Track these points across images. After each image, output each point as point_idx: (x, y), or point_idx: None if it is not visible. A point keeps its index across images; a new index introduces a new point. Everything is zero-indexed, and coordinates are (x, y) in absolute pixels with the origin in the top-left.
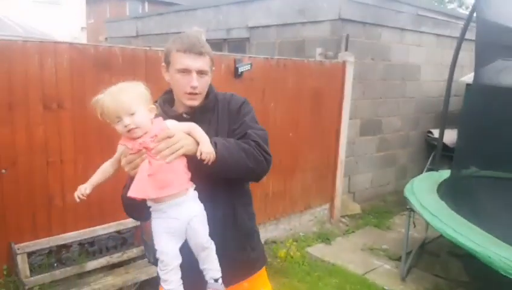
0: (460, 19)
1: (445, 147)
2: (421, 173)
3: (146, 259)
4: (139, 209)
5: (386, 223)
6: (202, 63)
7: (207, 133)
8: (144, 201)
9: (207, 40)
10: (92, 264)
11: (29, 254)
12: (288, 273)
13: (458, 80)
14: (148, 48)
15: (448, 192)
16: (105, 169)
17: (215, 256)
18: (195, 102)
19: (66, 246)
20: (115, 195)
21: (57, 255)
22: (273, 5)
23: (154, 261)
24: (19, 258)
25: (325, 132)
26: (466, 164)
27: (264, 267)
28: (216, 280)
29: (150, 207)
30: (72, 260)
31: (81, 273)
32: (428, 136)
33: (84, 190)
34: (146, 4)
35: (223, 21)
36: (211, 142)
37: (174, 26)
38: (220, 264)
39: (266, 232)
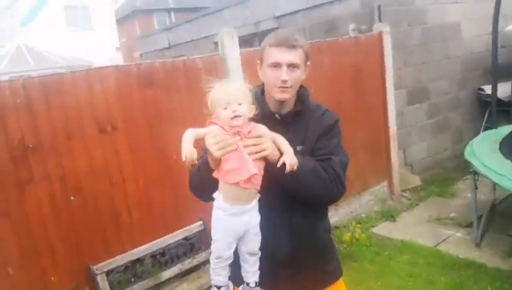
0: None
1: (500, 102)
2: (478, 133)
3: None
4: (209, 189)
5: (449, 190)
6: (293, 56)
7: (293, 138)
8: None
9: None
10: (167, 274)
11: (107, 273)
12: (357, 256)
13: (503, 30)
14: (186, 58)
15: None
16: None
17: (258, 262)
18: (286, 95)
19: (139, 260)
20: (176, 204)
21: (133, 270)
22: None
23: None
24: (98, 278)
25: (371, 107)
26: None
27: (341, 279)
28: (257, 284)
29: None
30: (147, 272)
31: (157, 283)
32: (479, 93)
33: (191, 155)
34: (172, 13)
35: (250, 16)
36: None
37: (204, 30)
38: (295, 276)
39: None
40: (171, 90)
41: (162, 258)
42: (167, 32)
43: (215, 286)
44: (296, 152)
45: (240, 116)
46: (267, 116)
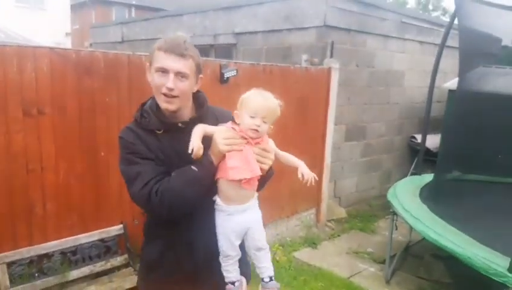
0: (443, 27)
1: (428, 151)
2: (405, 177)
3: (130, 267)
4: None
5: (371, 226)
6: (183, 65)
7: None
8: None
9: (194, 45)
10: (75, 274)
11: (9, 264)
12: (275, 278)
13: (441, 86)
14: (131, 53)
15: (430, 195)
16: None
17: (270, 257)
18: (171, 106)
19: (47, 256)
20: (97, 203)
21: (38, 265)
22: (260, 12)
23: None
24: None
25: (311, 137)
26: (448, 168)
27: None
28: (271, 278)
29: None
30: (54, 269)
31: (63, 282)
32: (411, 141)
33: (198, 150)
34: (133, 10)
35: (209, 27)
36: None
37: (160, 31)
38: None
39: None
40: (110, 84)
41: (73, 257)
42: (122, 26)
43: (230, 283)
44: (209, 158)
45: (258, 131)
46: (170, 128)
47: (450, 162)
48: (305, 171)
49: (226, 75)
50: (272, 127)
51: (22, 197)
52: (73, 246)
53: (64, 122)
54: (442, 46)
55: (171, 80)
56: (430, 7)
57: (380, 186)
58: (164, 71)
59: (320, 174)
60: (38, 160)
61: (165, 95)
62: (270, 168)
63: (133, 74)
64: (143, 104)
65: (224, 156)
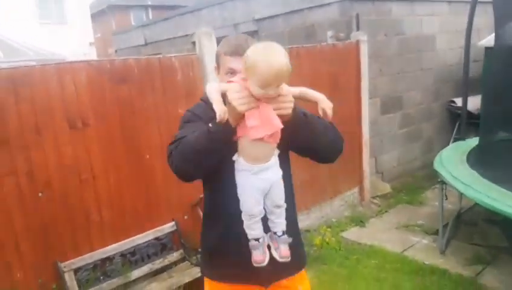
0: None
1: (469, 114)
2: (448, 144)
3: (187, 261)
4: (213, 156)
5: (418, 198)
6: None
7: None
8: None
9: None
10: (136, 273)
11: (76, 271)
12: (326, 259)
13: (476, 44)
14: (161, 56)
15: (478, 160)
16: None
17: (285, 213)
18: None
19: (109, 259)
20: (148, 204)
21: (102, 269)
22: None
23: (196, 263)
24: (66, 275)
25: (346, 114)
26: (493, 130)
27: (304, 269)
28: (283, 233)
29: (235, 166)
30: (116, 271)
31: (126, 283)
32: (450, 105)
33: (225, 114)
34: (150, 10)
35: (229, 17)
36: (299, 113)
37: (181, 28)
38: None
39: (299, 223)
40: (146, 88)
41: (132, 258)
42: (143, 28)
43: (254, 239)
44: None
45: (272, 97)
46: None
47: (494, 124)
48: (324, 106)
49: None
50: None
51: (78, 206)
52: (131, 247)
53: (107, 131)
54: (475, 2)
55: None
56: None
57: (423, 157)
58: (233, 72)
59: (359, 152)
60: (89, 169)
61: None
62: (295, 109)
63: (165, 75)
64: None
65: (242, 115)
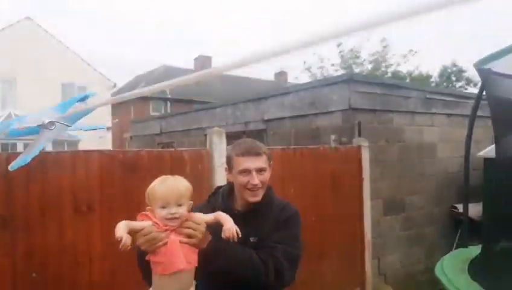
0: (468, 98)
1: (471, 221)
2: (451, 249)
3: None
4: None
5: None
6: (260, 162)
7: (249, 231)
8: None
9: (227, 133)
10: None
11: None
12: None
13: (475, 155)
14: (172, 149)
15: (479, 271)
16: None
17: None
18: (258, 197)
19: None
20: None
21: None
22: (286, 100)
23: None
24: None
25: (348, 214)
26: (495, 238)
27: None
28: None
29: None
30: None
31: None
32: (452, 211)
33: (126, 242)
34: (168, 103)
35: (240, 116)
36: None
37: (196, 122)
38: None
39: None
40: (155, 178)
41: None
42: (161, 120)
43: None
44: (249, 243)
45: (177, 218)
46: (229, 211)
47: (496, 232)
48: (226, 228)
49: None
50: (191, 202)
51: (71, 288)
52: None
53: (111, 217)
54: (474, 115)
55: (254, 177)
56: (453, 78)
57: (426, 260)
58: (247, 171)
59: (362, 252)
60: (87, 253)
61: (250, 190)
62: (211, 242)
63: (175, 168)
64: (218, 187)
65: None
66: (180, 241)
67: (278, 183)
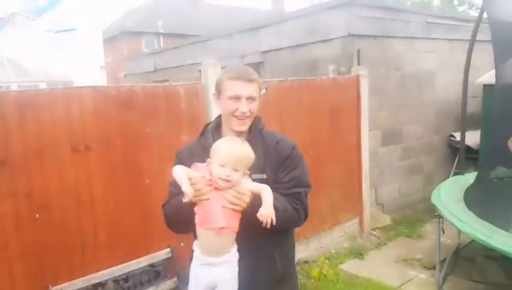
0: (470, 22)
1: (469, 149)
2: (448, 177)
3: None
4: (187, 225)
5: (417, 232)
6: (251, 89)
7: (252, 167)
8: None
9: (221, 68)
10: None
11: None
12: None
13: (474, 82)
14: (167, 84)
15: (474, 199)
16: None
17: None
18: (244, 126)
19: (101, 284)
20: (145, 229)
21: None
22: (284, 29)
23: None
24: None
25: (346, 145)
26: (491, 165)
27: None
28: None
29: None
30: None
31: None
32: (450, 139)
33: (190, 195)
34: (161, 38)
35: (236, 48)
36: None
37: (190, 57)
38: None
39: (297, 253)
40: (150, 115)
41: (125, 284)
42: (154, 56)
43: None
44: (257, 180)
45: (229, 181)
46: None
47: (492, 159)
48: (262, 213)
49: None
50: (247, 172)
51: (75, 229)
52: (125, 274)
53: (109, 155)
54: (473, 41)
55: (244, 104)
56: (456, 2)
57: (424, 189)
58: (237, 98)
59: (359, 182)
60: (88, 192)
61: (238, 118)
62: (251, 205)
63: (170, 103)
64: (207, 125)
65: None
66: (223, 206)
67: (275, 117)
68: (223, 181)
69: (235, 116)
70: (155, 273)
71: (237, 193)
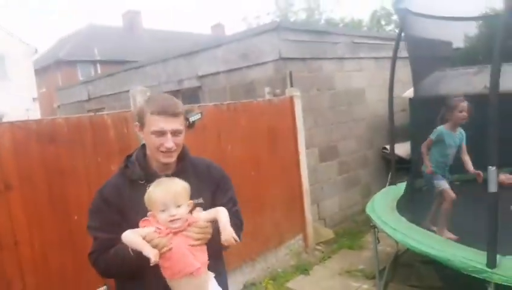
0: (393, 40)
1: (402, 160)
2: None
3: None
4: (133, 273)
5: (358, 243)
6: (177, 124)
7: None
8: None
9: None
10: None
11: None
12: None
13: (401, 96)
14: (92, 114)
15: (405, 205)
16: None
17: None
18: (171, 159)
19: None
20: (77, 268)
21: None
22: (219, 53)
23: None
24: None
25: (286, 164)
26: (419, 174)
27: None
28: None
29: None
30: None
31: None
32: (383, 152)
33: (156, 257)
34: (98, 65)
35: (173, 73)
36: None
37: (126, 84)
38: None
39: (244, 275)
40: (76, 147)
41: None
42: (87, 84)
43: None
44: (195, 197)
45: (178, 219)
46: (154, 178)
47: (418, 169)
48: (226, 238)
49: (191, 119)
50: (190, 202)
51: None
52: None
53: (33, 193)
54: (394, 58)
55: (169, 139)
56: (383, 22)
57: (362, 201)
58: (161, 133)
59: (300, 199)
60: (11, 235)
61: (163, 152)
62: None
63: (97, 133)
64: (128, 156)
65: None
66: (191, 245)
67: (214, 141)
68: (174, 222)
69: (160, 151)
70: None
71: (199, 228)
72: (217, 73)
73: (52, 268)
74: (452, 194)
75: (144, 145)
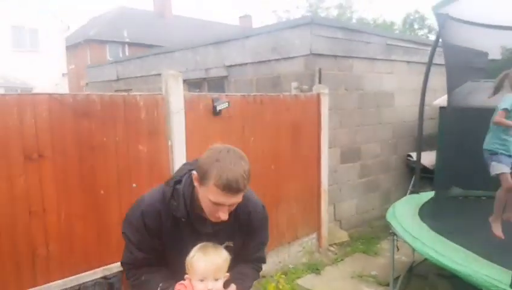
0: (428, 45)
1: (425, 169)
2: (404, 196)
3: None
4: None
5: (373, 248)
6: (236, 199)
7: (221, 233)
8: None
9: (187, 80)
10: None
11: None
12: None
13: (431, 104)
14: (126, 94)
15: (430, 213)
16: None
17: None
18: (220, 219)
19: None
20: (99, 240)
21: None
22: (248, 44)
23: None
24: None
25: (306, 162)
26: (446, 185)
27: None
28: None
29: None
30: None
31: None
32: (408, 159)
33: None
34: (126, 47)
35: (201, 61)
36: None
37: (154, 68)
38: None
39: None
40: (107, 124)
41: None
42: (117, 64)
43: None
44: (225, 247)
45: None
46: (197, 220)
47: (447, 179)
48: None
49: (219, 107)
50: (227, 275)
51: (25, 239)
52: (77, 285)
53: (64, 164)
54: (430, 64)
55: (226, 212)
56: (416, 26)
57: (381, 207)
58: (220, 204)
59: (318, 198)
60: (40, 202)
61: (216, 217)
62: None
63: (129, 113)
64: (176, 182)
65: None
66: None
67: (237, 131)
68: None
69: (213, 217)
70: (108, 285)
71: None
72: (245, 64)
73: (75, 238)
74: (510, 182)
75: (191, 179)
